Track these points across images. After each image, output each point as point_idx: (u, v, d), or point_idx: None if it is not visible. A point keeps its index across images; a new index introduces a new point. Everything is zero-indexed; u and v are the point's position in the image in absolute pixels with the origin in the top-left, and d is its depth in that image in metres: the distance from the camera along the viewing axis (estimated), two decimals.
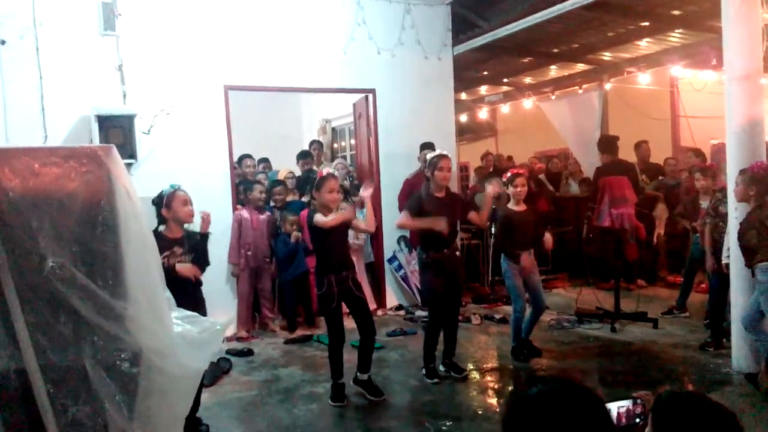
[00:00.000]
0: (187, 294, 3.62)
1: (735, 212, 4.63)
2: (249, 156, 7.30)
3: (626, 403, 1.91)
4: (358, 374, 4.53)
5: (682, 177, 7.60)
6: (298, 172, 7.75)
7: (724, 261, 5.02)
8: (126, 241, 2.62)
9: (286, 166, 8.19)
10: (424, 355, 4.84)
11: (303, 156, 7.88)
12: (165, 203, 3.90)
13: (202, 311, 3.77)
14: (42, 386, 2.47)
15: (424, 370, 4.84)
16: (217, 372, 4.97)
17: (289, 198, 6.97)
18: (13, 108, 5.48)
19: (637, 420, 1.89)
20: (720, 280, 5.15)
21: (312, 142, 8.82)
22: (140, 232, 2.68)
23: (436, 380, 4.75)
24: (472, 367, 5.11)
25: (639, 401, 1.91)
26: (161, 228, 3.92)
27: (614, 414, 1.88)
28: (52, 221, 2.53)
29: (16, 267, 2.47)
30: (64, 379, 2.53)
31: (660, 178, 7.98)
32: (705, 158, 7.57)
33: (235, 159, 6.94)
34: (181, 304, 2.99)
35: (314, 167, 7.56)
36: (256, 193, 6.35)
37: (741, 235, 4.37)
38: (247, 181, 6.78)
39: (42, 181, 2.53)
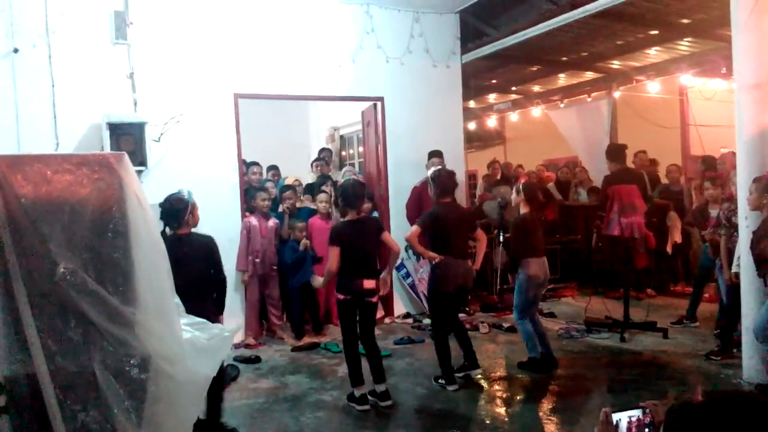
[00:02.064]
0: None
1: (745, 221, 4.60)
2: (256, 163, 7.33)
3: (636, 413, 1.89)
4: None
5: (691, 185, 7.57)
6: (305, 179, 7.80)
7: (733, 270, 4.98)
8: (136, 248, 2.64)
9: (295, 173, 8.23)
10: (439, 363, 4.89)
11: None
12: (191, 210, 4.02)
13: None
14: (51, 391, 2.48)
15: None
16: (225, 379, 4.97)
17: (298, 204, 6.99)
18: (26, 115, 5.53)
19: (646, 430, 1.87)
20: (732, 289, 5.11)
21: (322, 150, 8.84)
22: (151, 238, 2.70)
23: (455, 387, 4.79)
24: (479, 376, 5.08)
25: (648, 411, 1.90)
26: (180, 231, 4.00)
27: (624, 424, 1.87)
28: (64, 227, 2.55)
29: (28, 272, 2.49)
30: (74, 384, 2.55)
31: (666, 184, 7.95)
32: (716, 166, 7.55)
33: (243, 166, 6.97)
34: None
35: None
36: (259, 201, 6.37)
37: (754, 244, 4.33)
38: (251, 188, 6.81)
39: (54, 188, 2.56)
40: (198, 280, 3.92)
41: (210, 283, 4.06)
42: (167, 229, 3.99)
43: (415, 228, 4.89)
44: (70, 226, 2.56)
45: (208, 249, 4.04)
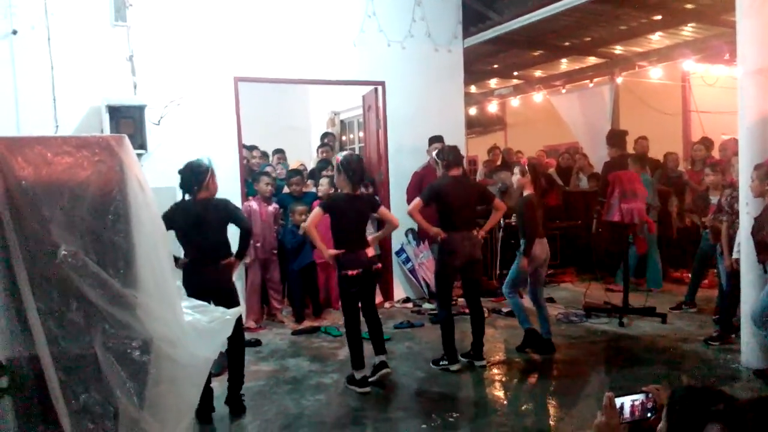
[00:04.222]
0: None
1: (746, 207, 4.59)
2: (255, 147, 7.31)
3: (639, 397, 1.91)
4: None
5: (684, 171, 7.59)
6: (308, 164, 7.79)
7: (734, 256, 4.99)
8: (137, 231, 2.64)
9: (295, 157, 8.22)
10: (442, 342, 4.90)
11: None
12: (211, 175, 4.08)
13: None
14: (53, 373, 2.49)
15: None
16: (225, 361, 4.99)
17: (304, 189, 6.98)
18: (25, 98, 5.50)
19: (649, 414, 1.88)
20: (732, 275, 5.12)
21: (325, 134, 8.82)
22: (152, 221, 2.70)
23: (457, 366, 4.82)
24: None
25: (650, 395, 1.91)
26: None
27: (627, 407, 1.88)
28: (65, 210, 2.55)
29: (29, 255, 2.49)
30: (76, 366, 2.56)
31: (664, 170, 7.95)
32: (712, 148, 7.55)
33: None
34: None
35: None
36: (263, 185, 6.36)
37: (756, 230, 4.33)
38: (254, 172, 6.79)
39: (54, 170, 2.55)
40: (218, 243, 4.06)
41: (228, 246, 4.16)
42: (186, 196, 4.04)
43: (416, 200, 4.91)
44: (71, 209, 2.56)
45: (225, 209, 4.14)
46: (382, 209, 4.81)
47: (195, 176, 4.03)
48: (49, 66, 5.58)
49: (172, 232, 3.85)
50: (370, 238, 4.71)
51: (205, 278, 3.96)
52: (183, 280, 3.91)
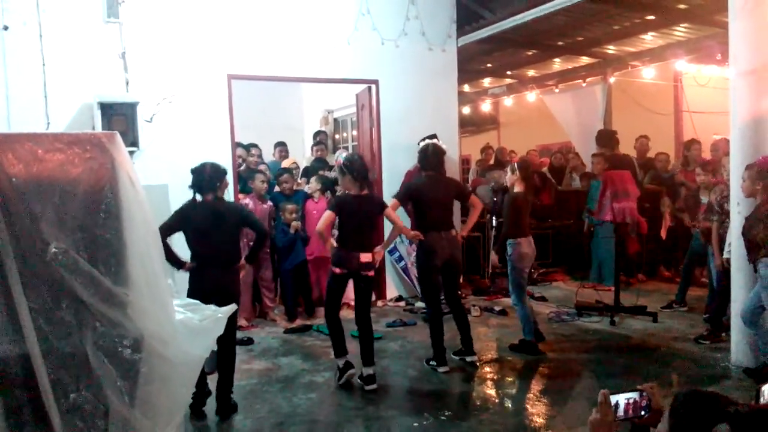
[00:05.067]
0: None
1: (738, 207, 4.62)
2: (252, 145, 7.27)
3: (633, 395, 1.92)
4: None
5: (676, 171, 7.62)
6: (300, 162, 7.78)
7: (724, 256, 5.02)
8: (129, 229, 2.62)
9: (289, 155, 8.20)
10: (432, 344, 4.89)
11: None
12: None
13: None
14: (44, 371, 2.47)
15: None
16: (210, 366, 4.96)
17: (295, 187, 6.97)
18: (16, 95, 5.47)
19: (642, 412, 1.90)
20: (722, 274, 5.15)
21: (318, 133, 8.81)
22: (143, 219, 2.68)
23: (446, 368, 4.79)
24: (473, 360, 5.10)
25: (644, 393, 1.92)
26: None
27: (622, 405, 1.89)
28: (55, 207, 2.53)
29: (19, 252, 2.47)
30: (66, 364, 2.54)
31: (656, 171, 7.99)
32: (700, 149, 7.60)
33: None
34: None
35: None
36: (258, 183, 6.34)
37: (747, 230, 4.35)
38: (249, 169, 6.77)
39: (45, 167, 2.53)
40: (232, 246, 4.10)
41: (239, 250, 4.20)
42: (197, 197, 4.02)
43: (393, 201, 4.93)
44: (62, 206, 2.54)
45: (240, 213, 4.20)
46: (388, 211, 4.68)
47: (218, 175, 4.03)
48: (40, 62, 5.54)
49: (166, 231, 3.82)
50: (378, 247, 4.64)
51: (214, 281, 3.90)
52: (190, 281, 3.90)
